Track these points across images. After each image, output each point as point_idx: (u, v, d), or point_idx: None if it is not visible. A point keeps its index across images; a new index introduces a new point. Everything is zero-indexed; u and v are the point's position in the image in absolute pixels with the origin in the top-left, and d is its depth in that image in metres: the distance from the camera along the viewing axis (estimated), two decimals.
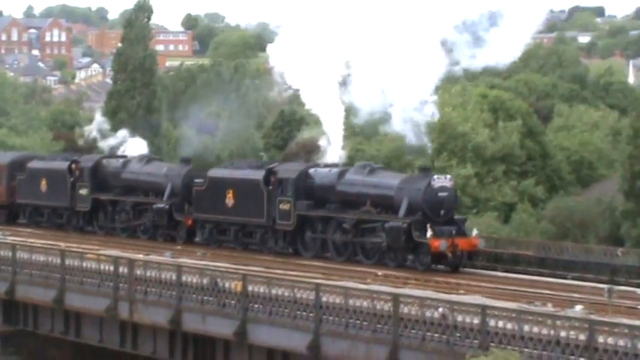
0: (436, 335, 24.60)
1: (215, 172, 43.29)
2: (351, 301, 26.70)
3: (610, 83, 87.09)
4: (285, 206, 38.94)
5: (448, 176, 37.59)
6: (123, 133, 52.75)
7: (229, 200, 40.99)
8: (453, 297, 27.71)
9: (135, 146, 50.53)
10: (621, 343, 21.64)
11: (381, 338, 25.77)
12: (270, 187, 39.57)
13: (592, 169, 61.35)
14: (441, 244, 34.17)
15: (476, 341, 23.74)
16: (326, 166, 39.84)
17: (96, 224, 46.78)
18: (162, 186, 44.24)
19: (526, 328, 23.17)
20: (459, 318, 24.35)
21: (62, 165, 48.51)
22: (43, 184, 48.31)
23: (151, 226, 44.07)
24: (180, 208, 43.04)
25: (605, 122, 68.80)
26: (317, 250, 38.24)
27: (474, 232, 36.15)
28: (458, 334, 24.18)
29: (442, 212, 35.45)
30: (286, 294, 28.36)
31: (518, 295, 29.71)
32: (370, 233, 36.72)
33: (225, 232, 41.51)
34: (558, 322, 22.87)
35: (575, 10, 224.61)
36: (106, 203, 46.59)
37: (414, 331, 25.16)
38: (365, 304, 26.38)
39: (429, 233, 34.38)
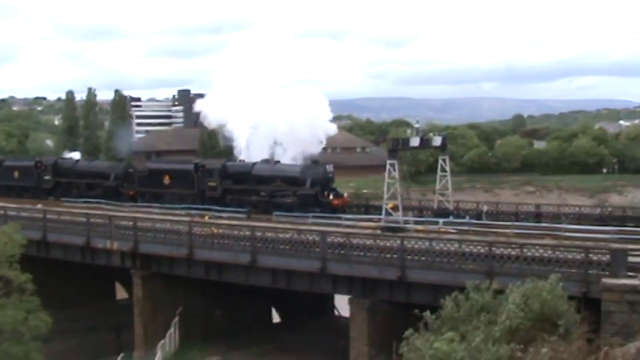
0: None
1: (153, 164, 72.42)
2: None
3: None
4: (212, 183, 61.85)
5: (331, 165, 59.23)
6: None
7: (166, 181, 65.29)
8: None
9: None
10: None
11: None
12: (199, 174, 62.90)
13: None
14: (339, 202, 56.13)
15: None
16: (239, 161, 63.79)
17: (55, 195, 73.21)
18: (107, 173, 71.31)
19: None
20: None
21: (30, 163, 78.32)
22: (16, 174, 77.31)
23: (102, 195, 68.87)
24: (122, 185, 69.54)
25: None
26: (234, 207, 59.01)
27: (345, 194, 59.42)
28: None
29: (330, 184, 57.65)
30: None
31: None
32: (281, 198, 57.87)
33: (161, 198, 64.66)
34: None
35: None
36: (63, 184, 74.01)
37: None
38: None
39: (331, 197, 56.38)
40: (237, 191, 60.90)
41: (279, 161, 61.09)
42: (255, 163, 61.32)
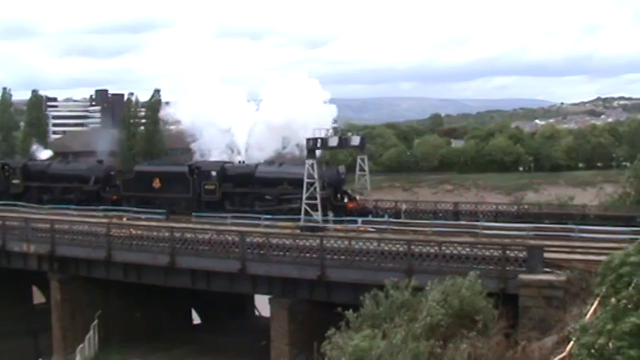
0: None
1: (141, 167, 66.46)
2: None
3: None
4: (210, 186, 58.23)
5: (343, 166, 58.01)
6: None
7: (156, 184, 60.93)
8: None
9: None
10: None
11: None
12: (195, 176, 58.96)
13: None
14: (354, 206, 53.22)
15: None
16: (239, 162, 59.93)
17: (25, 200, 67.82)
18: (87, 177, 66.85)
19: None
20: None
21: None
22: None
23: (79, 200, 65.08)
24: (103, 189, 65.61)
25: None
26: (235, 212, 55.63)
27: (358, 197, 56.03)
28: None
29: (342, 187, 55.50)
30: None
31: None
32: (287, 202, 54.49)
33: (150, 203, 60.32)
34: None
35: None
36: (35, 188, 68.78)
37: None
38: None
39: (346, 199, 54.22)
40: (238, 195, 57.71)
41: (283, 162, 58.19)
42: (258, 165, 58.51)
